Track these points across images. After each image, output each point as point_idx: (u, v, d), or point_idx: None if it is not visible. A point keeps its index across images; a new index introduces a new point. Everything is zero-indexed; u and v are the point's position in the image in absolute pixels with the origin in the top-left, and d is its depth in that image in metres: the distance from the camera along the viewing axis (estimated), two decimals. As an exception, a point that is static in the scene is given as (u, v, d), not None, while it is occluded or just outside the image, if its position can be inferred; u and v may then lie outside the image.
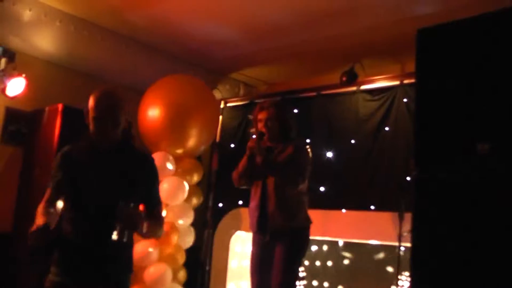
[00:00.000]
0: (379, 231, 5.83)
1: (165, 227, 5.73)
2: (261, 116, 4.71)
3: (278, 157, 4.58)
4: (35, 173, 6.40)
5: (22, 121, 6.68)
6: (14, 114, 6.61)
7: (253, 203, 4.67)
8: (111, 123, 3.05)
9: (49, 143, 6.24)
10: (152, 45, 7.05)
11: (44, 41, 6.51)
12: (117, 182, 3.08)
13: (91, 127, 3.09)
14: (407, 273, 5.33)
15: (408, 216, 4.75)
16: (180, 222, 6.09)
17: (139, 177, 3.15)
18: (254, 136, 4.67)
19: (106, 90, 3.14)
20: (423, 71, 3.82)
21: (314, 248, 7.06)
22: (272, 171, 4.53)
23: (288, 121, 4.76)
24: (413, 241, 3.71)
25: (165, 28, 6.48)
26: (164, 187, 5.87)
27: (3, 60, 5.99)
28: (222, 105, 7.54)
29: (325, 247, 7.12)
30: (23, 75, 6.04)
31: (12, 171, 6.61)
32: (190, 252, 6.26)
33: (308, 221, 4.60)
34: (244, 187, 4.88)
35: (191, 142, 6.10)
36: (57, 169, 3.16)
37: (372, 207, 5.97)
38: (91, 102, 3.06)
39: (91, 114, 3.05)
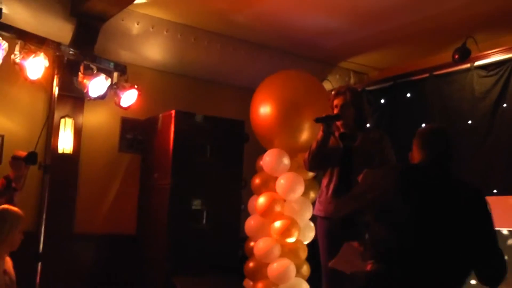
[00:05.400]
0: (505, 217, 5.44)
1: (285, 223, 5.76)
2: (337, 101, 4.63)
3: (363, 144, 4.41)
4: (153, 177, 6.64)
5: (138, 129, 6.94)
6: (129, 123, 6.88)
7: (330, 188, 4.54)
8: None
9: (165, 148, 6.42)
10: (259, 43, 7.08)
11: (152, 51, 6.72)
12: None
13: None
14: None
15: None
16: (300, 217, 6.02)
17: None
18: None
19: None
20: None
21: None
22: (357, 158, 4.33)
23: (363, 108, 4.62)
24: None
25: (271, 24, 6.48)
26: (281, 183, 5.84)
27: (115, 74, 6.18)
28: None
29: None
30: (135, 86, 6.18)
31: (132, 176, 6.90)
32: (311, 246, 6.18)
33: None
34: (314, 170, 4.76)
35: (305, 136, 6.03)
36: None
37: (495, 191, 5.70)
38: None
39: None
